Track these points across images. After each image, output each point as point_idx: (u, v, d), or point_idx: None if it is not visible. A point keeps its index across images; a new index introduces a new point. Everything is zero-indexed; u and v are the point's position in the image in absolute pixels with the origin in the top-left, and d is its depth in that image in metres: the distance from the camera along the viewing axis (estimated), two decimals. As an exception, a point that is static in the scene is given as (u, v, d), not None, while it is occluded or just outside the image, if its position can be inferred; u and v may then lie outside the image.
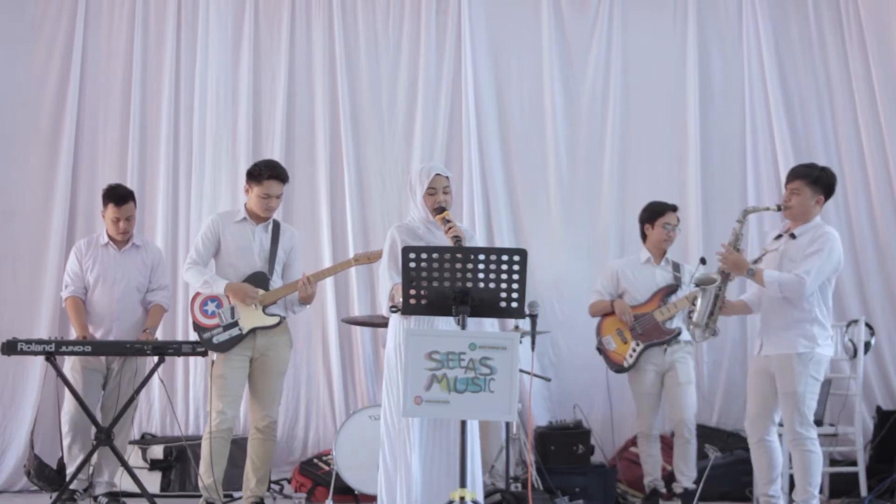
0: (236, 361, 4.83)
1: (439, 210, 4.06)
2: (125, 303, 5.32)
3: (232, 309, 4.83)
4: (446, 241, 4.05)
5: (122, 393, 5.12)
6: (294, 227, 6.54)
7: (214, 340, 4.81)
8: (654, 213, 5.62)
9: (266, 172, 4.90)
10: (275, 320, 4.88)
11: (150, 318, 5.37)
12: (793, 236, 4.63)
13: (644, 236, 5.69)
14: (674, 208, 5.63)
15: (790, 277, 4.48)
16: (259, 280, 4.89)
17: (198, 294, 4.90)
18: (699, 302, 4.71)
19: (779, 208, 4.69)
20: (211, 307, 4.85)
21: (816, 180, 4.63)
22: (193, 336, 4.93)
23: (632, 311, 5.51)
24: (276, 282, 4.94)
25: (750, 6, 6.71)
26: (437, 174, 4.13)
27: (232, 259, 4.92)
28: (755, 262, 4.72)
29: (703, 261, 5.32)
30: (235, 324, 4.83)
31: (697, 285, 4.76)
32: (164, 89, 6.65)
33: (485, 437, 5.66)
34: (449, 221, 3.98)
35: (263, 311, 4.86)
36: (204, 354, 4.83)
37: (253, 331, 4.84)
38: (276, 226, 5.04)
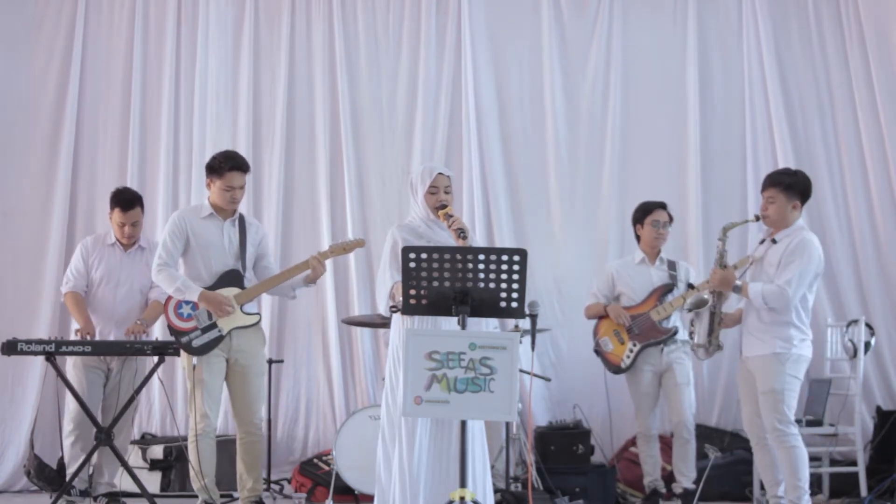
0: (215, 364, 4.74)
1: (441, 207, 4.08)
2: (128, 304, 5.31)
3: (208, 310, 4.75)
4: (448, 238, 4.06)
5: (121, 393, 5.11)
6: (294, 227, 6.61)
7: (194, 344, 4.69)
8: (643, 213, 5.64)
9: (227, 164, 4.78)
10: (254, 319, 4.81)
11: (147, 311, 5.32)
12: (774, 241, 4.70)
13: (638, 237, 5.70)
14: (662, 205, 5.63)
15: (773, 289, 4.55)
16: (234, 278, 4.79)
17: (170, 297, 4.78)
18: (696, 324, 4.80)
19: (757, 218, 4.81)
20: (186, 309, 4.73)
21: (790, 186, 4.69)
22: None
23: (628, 311, 5.51)
24: (248, 278, 4.86)
25: (750, 6, 6.71)
26: (440, 173, 4.16)
27: (203, 257, 4.78)
28: (736, 268, 4.83)
29: (690, 286, 5.42)
30: (214, 325, 4.72)
31: (690, 310, 4.84)
32: (164, 89, 6.65)
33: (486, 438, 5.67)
34: (451, 216, 4.01)
35: (241, 309, 4.78)
36: (176, 354, 4.76)
37: (231, 331, 4.78)
38: (242, 219, 4.92)
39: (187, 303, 4.73)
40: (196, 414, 4.70)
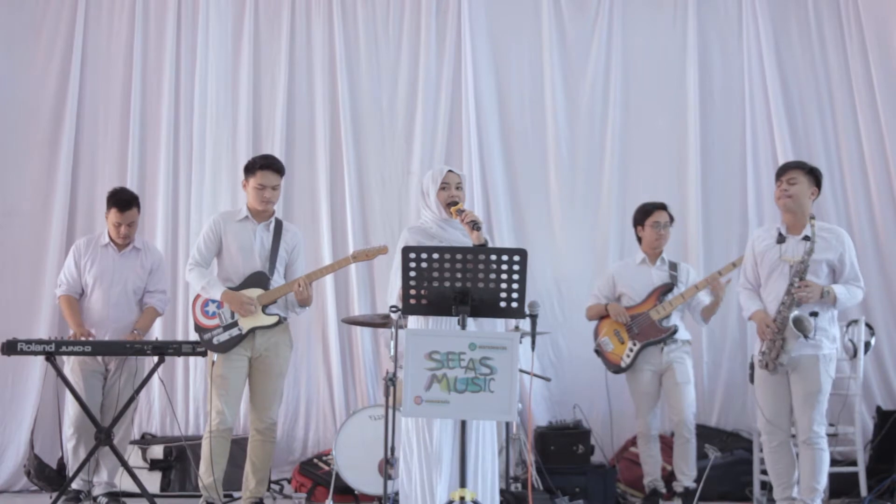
0: (236, 361, 4.83)
1: (452, 204, 4.09)
2: (121, 305, 5.32)
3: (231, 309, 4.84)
4: (460, 238, 4.06)
5: (120, 393, 5.12)
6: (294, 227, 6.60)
7: (215, 341, 4.82)
8: (644, 214, 5.65)
9: (259, 162, 4.92)
10: (273, 320, 4.86)
11: (141, 319, 5.35)
12: (807, 238, 4.57)
13: (639, 238, 5.70)
14: (662, 206, 5.64)
15: (856, 291, 4.59)
16: (259, 280, 4.88)
17: (199, 295, 4.91)
18: (788, 343, 4.52)
19: (807, 238, 4.58)
20: (212, 308, 4.87)
21: (811, 171, 4.69)
22: (193, 336, 4.94)
23: (628, 312, 5.52)
24: (276, 281, 4.93)
25: (750, 6, 6.71)
26: (451, 171, 4.19)
27: (233, 259, 4.91)
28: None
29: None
30: (235, 324, 4.83)
31: (799, 329, 4.47)
32: (164, 89, 6.66)
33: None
34: (463, 210, 4.03)
35: (263, 310, 4.85)
36: (203, 354, 4.81)
37: (252, 330, 4.84)
38: (279, 224, 5.02)
39: (213, 301, 4.84)
40: (212, 410, 4.78)
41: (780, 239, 4.65)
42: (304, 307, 4.98)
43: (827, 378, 4.56)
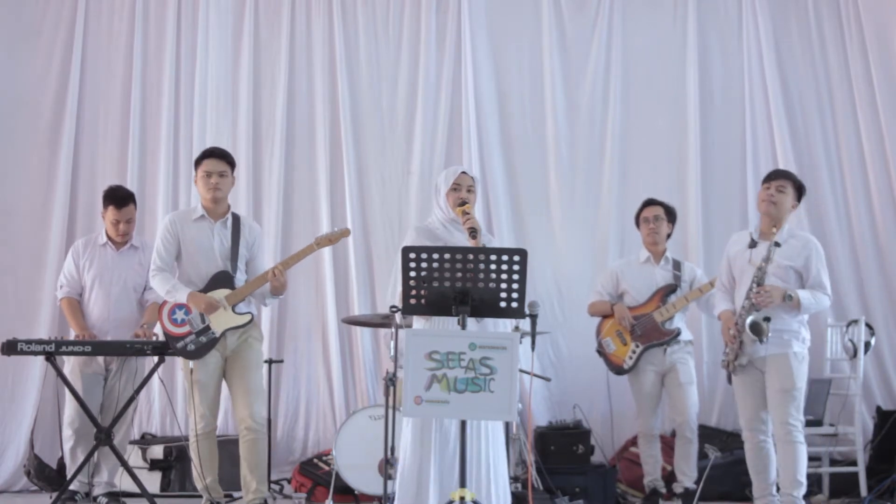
0: (212, 364, 4.74)
1: (462, 204, 4.09)
2: (122, 304, 5.31)
3: (202, 314, 4.73)
4: (464, 241, 4.06)
5: (121, 393, 5.11)
6: (294, 227, 6.60)
7: (189, 348, 4.69)
8: (637, 213, 5.69)
9: (204, 152, 4.87)
10: (246, 318, 4.77)
11: (146, 315, 5.32)
12: (777, 244, 4.63)
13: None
14: (651, 202, 5.66)
15: (822, 297, 4.64)
16: (223, 279, 4.77)
17: (164, 303, 4.77)
18: (745, 345, 4.64)
19: (777, 244, 4.63)
20: (179, 315, 4.72)
21: (799, 188, 4.77)
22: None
23: (631, 312, 5.51)
24: (240, 279, 4.83)
25: (750, 6, 6.72)
26: (463, 172, 4.19)
27: (193, 260, 4.79)
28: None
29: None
30: (208, 328, 4.71)
31: (754, 332, 4.55)
32: (164, 89, 6.65)
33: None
34: (467, 213, 4.03)
35: (233, 310, 4.76)
36: (176, 354, 4.73)
37: (224, 332, 4.75)
38: (236, 220, 4.90)
39: (180, 308, 4.73)
40: (195, 415, 4.72)
41: (752, 244, 4.73)
42: (277, 296, 4.89)
43: (802, 375, 4.63)
